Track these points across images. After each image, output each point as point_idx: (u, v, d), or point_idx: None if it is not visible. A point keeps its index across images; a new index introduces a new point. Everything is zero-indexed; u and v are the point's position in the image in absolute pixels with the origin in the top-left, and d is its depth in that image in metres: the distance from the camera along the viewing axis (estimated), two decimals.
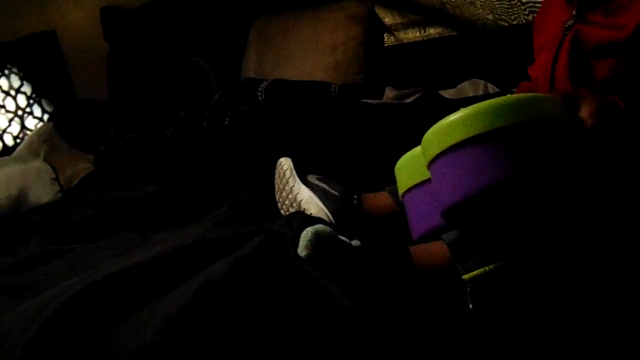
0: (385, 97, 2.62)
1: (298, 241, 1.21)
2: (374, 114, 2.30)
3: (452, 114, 1.05)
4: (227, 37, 2.99)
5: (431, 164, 1.10)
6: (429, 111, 2.21)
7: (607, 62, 1.35)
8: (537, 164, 1.01)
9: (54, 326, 1.01)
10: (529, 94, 1.08)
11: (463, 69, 2.57)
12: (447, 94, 2.40)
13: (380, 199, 1.64)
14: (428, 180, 1.19)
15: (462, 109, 1.04)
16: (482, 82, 2.45)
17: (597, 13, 1.38)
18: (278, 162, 1.72)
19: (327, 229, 1.22)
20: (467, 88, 2.45)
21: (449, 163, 1.05)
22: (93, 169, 2.93)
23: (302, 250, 1.18)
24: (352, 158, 2.09)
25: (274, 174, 2.06)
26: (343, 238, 1.26)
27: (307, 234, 1.20)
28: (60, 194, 2.64)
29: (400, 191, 1.30)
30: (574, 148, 1.05)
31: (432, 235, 1.22)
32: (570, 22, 1.44)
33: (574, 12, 1.44)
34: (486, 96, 2.33)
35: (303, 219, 1.38)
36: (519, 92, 1.75)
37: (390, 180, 1.43)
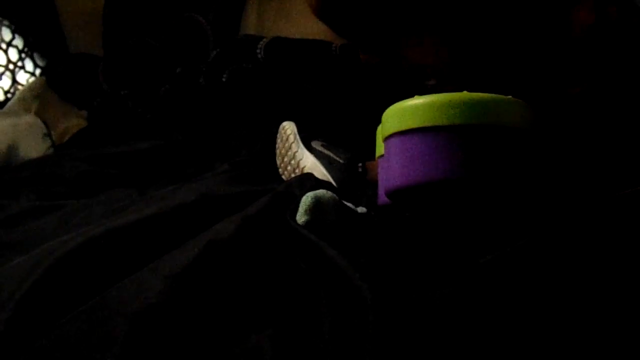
0: None
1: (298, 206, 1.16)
2: (375, 75, 2.25)
3: (418, 97, 1.06)
4: None
5: (386, 140, 1.11)
6: None
7: None
8: (487, 169, 1.03)
9: (50, 281, 0.95)
10: (498, 96, 1.07)
11: None
12: None
13: None
14: None
15: (429, 95, 1.04)
16: None
17: None
18: (281, 126, 1.66)
19: (329, 194, 1.16)
20: None
21: (402, 146, 1.07)
22: (86, 124, 2.87)
23: (301, 216, 1.13)
24: (354, 120, 2.03)
25: (274, 134, 2.00)
26: (348, 204, 1.20)
27: (306, 198, 1.15)
28: (51, 149, 2.57)
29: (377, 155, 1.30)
30: (527, 158, 1.08)
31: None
32: None
33: None
34: None
35: (316, 183, 1.32)
36: None
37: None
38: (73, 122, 2.90)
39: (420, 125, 1.04)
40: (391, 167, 1.10)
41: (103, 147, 2.23)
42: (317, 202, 1.12)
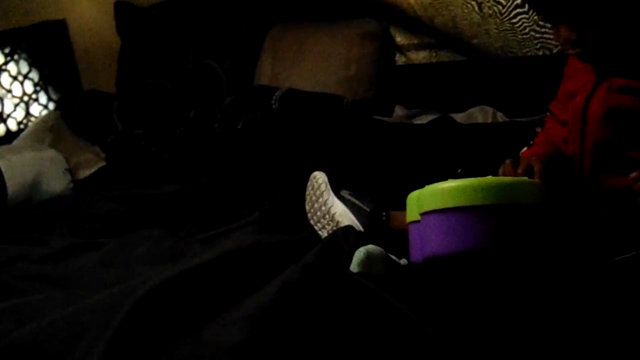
0: (394, 114, 2.72)
1: (351, 259, 1.32)
2: (389, 131, 2.40)
3: (453, 181, 1.30)
4: (241, 42, 3.04)
5: (425, 214, 1.32)
6: (442, 134, 2.31)
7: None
8: (514, 240, 1.26)
9: (135, 322, 1.06)
10: (520, 179, 1.38)
11: (471, 94, 2.67)
12: (458, 117, 2.50)
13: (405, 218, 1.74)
14: None
15: (462, 179, 1.29)
16: (491, 109, 2.55)
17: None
18: (312, 175, 1.80)
19: (378, 249, 1.33)
20: (477, 114, 2.54)
21: (440, 221, 1.28)
22: (98, 159, 2.98)
23: (354, 268, 1.30)
24: (368, 172, 2.18)
25: (291, 183, 2.14)
26: (393, 257, 1.36)
27: (359, 253, 1.32)
28: (71, 185, 2.68)
29: (407, 220, 1.47)
30: (546, 230, 1.30)
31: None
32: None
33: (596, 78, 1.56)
34: (496, 124, 2.43)
35: (358, 236, 1.48)
36: (546, 126, 1.85)
37: (398, 196, 1.57)
38: (85, 157, 3.00)
39: (457, 205, 1.26)
40: (430, 238, 1.31)
41: (132, 188, 2.34)
42: (369, 257, 1.29)
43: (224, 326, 1.03)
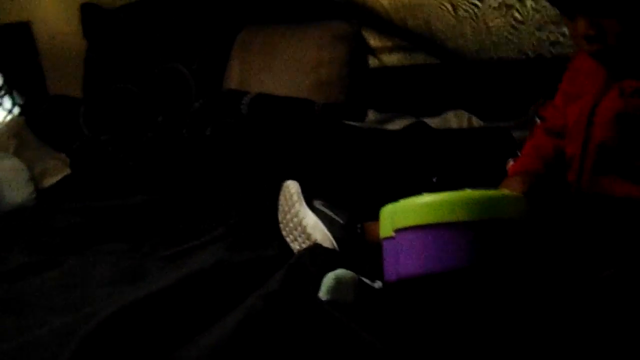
0: (367, 119, 2.66)
1: (319, 284, 1.25)
2: (360, 137, 2.34)
3: (429, 195, 1.23)
4: (210, 45, 2.97)
5: (399, 232, 1.25)
6: (417, 141, 2.25)
7: None
8: (493, 258, 1.18)
9: (89, 349, 1.00)
10: (501, 193, 1.30)
11: (445, 98, 2.62)
12: (432, 122, 2.44)
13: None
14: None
15: (439, 193, 1.22)
16: (465, 114, 2.50)
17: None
18: (285, 185, 1.74)
19: (349, 274, 1.27)
20: (451, 118, 2.49)
21: (415, 238, 1.22)
22: (63, 166, 2.89)
23: (323, 295, 1.23)
24: (340, 180, 2.12)
25: (260, 192, 2.07)
26: (366, 280, 1.29)
27: (328, 280, 1.25)
28: (34, 194, 2.59)
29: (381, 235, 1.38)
30: (527, 247, 1.23)
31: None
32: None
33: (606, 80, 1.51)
34: (472, 130, 2.38)
35: (326, 257, 1.41)
36: (534, 136, 1.80)
37: (372, 205, 1.50)
38: (50, 164, 2.91)
39: (432, 222, 1.19)
40: (404, 257, 1.24)
41: (93, 200, 2.26)
42: (338, 283, 1.22)
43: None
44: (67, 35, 3.39)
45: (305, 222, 1.64)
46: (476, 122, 2.46)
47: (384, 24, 2.75)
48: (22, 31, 3.35)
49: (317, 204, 1.70)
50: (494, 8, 2.45)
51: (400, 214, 1.25)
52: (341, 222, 1.64)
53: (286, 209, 1.72)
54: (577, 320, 1.11)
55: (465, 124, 2.45)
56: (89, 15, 3.27)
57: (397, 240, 1.25)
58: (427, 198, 1.22)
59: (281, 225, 1.73)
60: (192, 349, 1.00)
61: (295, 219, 1.67)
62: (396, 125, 2.50)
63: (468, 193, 1.20)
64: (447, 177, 2.02)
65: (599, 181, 1.52)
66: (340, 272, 1.25)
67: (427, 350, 1.04)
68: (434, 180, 1.99)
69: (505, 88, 2.49)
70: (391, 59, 2.83)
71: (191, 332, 1.06)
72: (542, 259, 1.25)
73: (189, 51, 2.98)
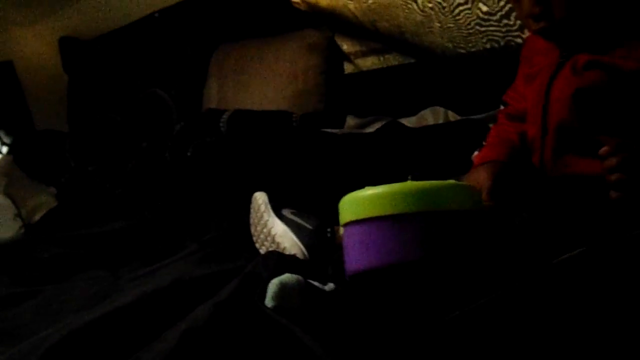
0: (346, 125, 2.66)
1: (266, 290, 1.24)
2: (336, 144, 2.34)
3: (372, 188, 1.19)
4: (187, 67, 3.00)
5: (344, 227, 1.24)
6: (391, 141, 2.25)
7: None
8: (442, 250, 1.15)
9: None
10: (448, 183, 1.22)
11: (423, 96, 2.62)
12: (409, 122, 2.44)
13: None
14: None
15: (383, 185, 1.17)
16: (442, 109, 2.49)
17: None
18: (253, 197, 1.74)
19: (294, 278, 1.24)
20: (427, 116, 2.49)
21: (357, 233, 1.19)
22: (55, 201, 2.91)
23: (269, 302, 1.21)
24: (316, 188, 2.11)
25: (239, 207, 2.07)
26: (315, 283, 1.28)
27: (272, 285, 1.23)
28: (22, 230, 2.61)
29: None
30: (477, 237, 1.19)
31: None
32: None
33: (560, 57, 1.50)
34: (447, 124, 2.37)
35: (277, 260, 1.40)
36: (497, 122, 1.79)
37: None
38: (42, 200, 2.93)
39: (373, 215, 1.16)
40: (350, 252, 1.22)
41: (75, 229, 2.28)
42: (282, 288, 1.20)
43: None
44: (50, 70, 3.43)
45: (274, 231, 1.65)
46: (452, 117, 2.45)
47: (354, 28, 2.75)
48: (5, 70, 3.39)
49: (286, 212, 1.70)
50: (459, 3, 2.44)
51: (345, 208, 1.23)
52: (310, 227, 1.64)
53: (256, 220, 1.73)
54: (537, 308, 1.09)
55: (441, 120, 2.44)
56: (67, 49, 3.31)
57: (344, 236, 1.24)
58: (370, 190, 1.19)
59: (254, 238, 1.74)
60: None
61: (264, 230, 1.68)
62: (374, 128, 2.50)
63: (410, 184, 1.17)
64: (423, 174, 2.01)
65: (562, 161, 1.49)
66: (285, 277, 1.23)
67: (369, 351, 1.03)
68: (409, 178, 1.97)
69: (480, 80, 2.48)
70: (366, 62, 2.83)
71: (138, 348, 1.06)
72: (497, 248, 1.23)
73: (166, 75, 3.01)
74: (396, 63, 2.77)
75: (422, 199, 1.15)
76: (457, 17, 2.49)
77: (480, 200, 1.28)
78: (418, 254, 1.14)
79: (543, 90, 1.51)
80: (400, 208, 1.14)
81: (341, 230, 1.28)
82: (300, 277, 1.25)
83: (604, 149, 1.24)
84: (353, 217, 1.20)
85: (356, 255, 1.20)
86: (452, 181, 1.27)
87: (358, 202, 1.20)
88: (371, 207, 1.17)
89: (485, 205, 1.34)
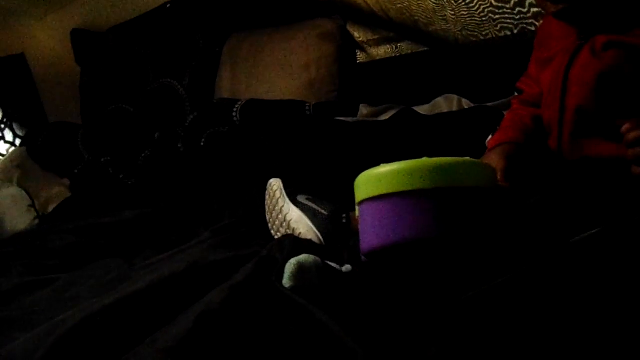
0: (360, 114, 2.64)
1: (283, 271, 1.23)
2: (351, 131, 2.33)
3: (384, 166, 1.18)
4: (199, 57, 2.99)
5: (360, 205, 1.23)
6: (405, 128, 2.24)
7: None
8: (457, 227, 1.13)
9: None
10: (462, 159, 1.20)
11: (436, 84, 2.61)
12: (422, 109, 2.43)
13: None
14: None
15: (397, 162, 1.17)
16: (456, 97, 2.48)
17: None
18: (268, 183, 1.74)
19: (311, 258, 1.24)
20: (441, 103, 2.47)
21: (373, 210, 1.18)
22: (68, 193, 2.92)
23: (287, 282, 1.21)
24: (331, 175, 2.11)
25: (254, 195, 2.07)
26: (332, 264, 1.27)
27: (290, 265, 1.22)
28: (37, 221, 2.62)
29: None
30: (493, 214, 1.18)
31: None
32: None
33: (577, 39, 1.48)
34: (460, 112, 2.36)
35: (293, 243, 1.40)
36: (512, 107, 1.77)
37: None
38: (56, 191, 2.94)
39: (389, 192, 1.15)
40: (365, 230, 1.20)
41: (89, 218, 2.28)
42: (300, 268, 1.20)
43: None
44: (62, 63, 3.44)
45: (289, 217, 1.64)
46: (466, 104, 2.43)
47: (367, 17, 2.74)
48: (18, 63, 3.39)
49: (301, 198, 1.70)
50: None
51: (360, 186, 1.23)
52: (325, 213, 1.64)
53: (271, 207, 1.73)
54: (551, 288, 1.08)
55: (455, 107, 2.43)
56: (79, 41, 3.31)
57: (360, 214, 1.23)
58: (385, 167, 1.18)
59: (269, 225, 1.74)
60: (146, 350, 0.99)
61: (280, 216, 1.68)
62: (388, 116, 2.49)
63: (426, 160, 1.16)
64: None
65: (580, 144, 1.48)
66: (302, 257, 1.23)
67: (386, 332, 1.02)
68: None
69: (494, 68, 2.47)
70: (379, 51, 2.82)
71: (152, 332, 1.05)
72: (513, 227, 1.22)
73: (179, 65, 3.00)
74: (409, 51, 2.76)
75: (438, 175, 1.14)
76: (471, 5, 2.48)
77: (495, 179, 1.27)
78: (434, 230, 1.13)
79: (561, 73, 1.50)
80: (416, 184, 1.13)
81: (357, 211, 1.27)
82: (317, 258, 1.24)
83: (625, 126, 1.23)
84: (369, 194, 1.19)
85: (371, 233, 1.19)
86: (468, 158, 1.26)
87: (373, 179, 1.19)
88: (387, 183, 1.16)
89: (501, 186, 1.33)
